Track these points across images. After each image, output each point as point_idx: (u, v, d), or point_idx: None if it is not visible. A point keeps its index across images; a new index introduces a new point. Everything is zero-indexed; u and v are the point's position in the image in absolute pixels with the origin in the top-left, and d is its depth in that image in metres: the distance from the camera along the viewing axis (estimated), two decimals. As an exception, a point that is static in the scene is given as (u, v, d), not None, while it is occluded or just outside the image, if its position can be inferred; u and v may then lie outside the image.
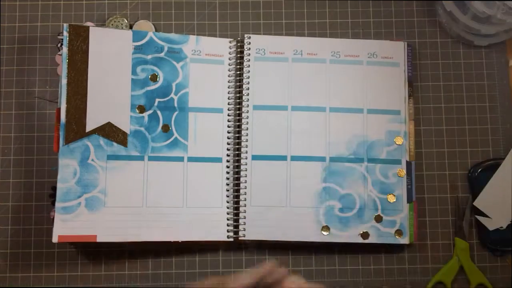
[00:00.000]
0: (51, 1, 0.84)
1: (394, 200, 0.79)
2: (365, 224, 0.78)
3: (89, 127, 0.77)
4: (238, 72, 0.81)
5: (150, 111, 0.79)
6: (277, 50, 0.82)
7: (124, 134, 0.78)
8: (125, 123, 0.78)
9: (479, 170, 0.81)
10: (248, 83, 0.80)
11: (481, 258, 0.81)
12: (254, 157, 0.79)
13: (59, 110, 0.76)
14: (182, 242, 0.77)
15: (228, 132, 0.80)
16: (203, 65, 0.81)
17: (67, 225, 0.75)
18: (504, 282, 0.80)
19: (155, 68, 0.79)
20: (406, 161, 0.80)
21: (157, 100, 0.79)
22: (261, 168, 0.79)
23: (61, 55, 0.78)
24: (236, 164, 0.80)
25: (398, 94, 0.81)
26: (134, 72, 0.79)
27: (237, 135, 0.80)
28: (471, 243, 0.81)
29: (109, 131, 0.77)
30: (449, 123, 0.83)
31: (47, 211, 0.80)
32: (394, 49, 0.82)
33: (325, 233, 0.78)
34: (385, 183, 0.79)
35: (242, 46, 0.81)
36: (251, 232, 0.78)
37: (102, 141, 0.77)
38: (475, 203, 0.81)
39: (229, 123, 0.80)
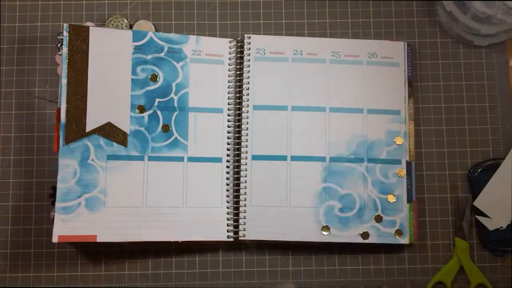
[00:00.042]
0: (51, 1, 0.84)
1: (394, 200, 0.79)
2: (365, 224, 0.78)
3: (89, 127, 0.77)
4: (238, 72, 0.81)
5: (150, 111, 0.79)
6: (277, 50, 0.82)
7: (124, 134, 0.78)
8: (125, 123, 0.78)
9: (479, 170, 0.81)
10: (248, 83, 0.80)
11: (481, 258, 0.81)
12: (254, 157, 0.79)
13: (59, 110, 0.76)
14: (182, 242, 0.77)
15: (228, 132, 0.80)
16: (203, 65, 0.81)
17: (67, 225, 0.75)
18: (504, 282, 0.80)
19: (155, 68, 0.79)
20: (406, 161, 0.80)
21: (157, 100, 0.79)
22: (261, 168, 0.79)
23: (61, 55, 0.78)
24: (236, 164, 0.79)
25: (398, 94, 0.81)
26: (134, 72, 0.79)
27: (237, 135, 0.80)
28: (471, 243, 0.81)
29: (109, 131, 0.77)
30: (449, 123, 0.83)
31: (47, 211, 0.80)
32: (394, 49, 0.82)
33: (325, 233, 0.78)
34: (385, 183, 0.79)
35: (242, 46, 0.81)
36: (251, 232, 0.78)
37: (102, 141, 0.77)
38: (475, 203, 0.81)
39: (229, 123, 0.80)
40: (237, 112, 0.80)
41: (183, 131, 0.79)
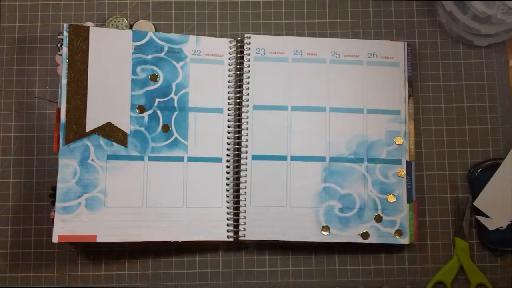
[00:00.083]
0: (51, 1, 0.84)
1: (394, 200, 0.79)
2: (365, 224, 0.78)
3: (89, 127, 0.77)
4: (238, 72, 0.81)
5: (150, 111, 0.79)
6: (277, 50, 0.82)
7: (124, 134, 0.78)
8: (125, 123, 0.78)
9: (479, 170, 0.81)
10: (248, 83, 0.80)
11: (481, 258, 0.81)
12: (254, 157, 0.79)
13: (59, 110, 0.76)
14: (182, 242, 0.77)
15: (228, 132, 0.80)
16: (203, 65, 0.81)
17: (67, 225, 0.75)
18: (504, 282, 0.80)
19: (155, 68, 0.79)
20: (406, 161, 0.80)
21: (157, 100, 0.79)
22: (261, 168, 0.79)
23: (61, 55, 0.78)
24: (236, 164, 0.79)
25: (398, 94, 0.81)
26: (134, 72, 0.79)
27: (237, 135, 0.80)
28: (471, 243, 0.81)
29: (109, 131, 0.77)
30: (449, 123, 0.83)
31: (47, 211, 0.80)
32: (394, 49, 0.82)
33: (325, 233, 0.78)
34: (385, 183, 0.79)
35: (242, 46, 0.81)
36: (251, 232, 0.78)
37: (102, 141, 0.77)
38: (475, 203, 0.81)
39: (229, 123, 0.80)
40: (237, 112, 0.80)
41: (183, 131, 0.79)
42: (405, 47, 0.82)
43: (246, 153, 0.79)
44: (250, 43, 0.81)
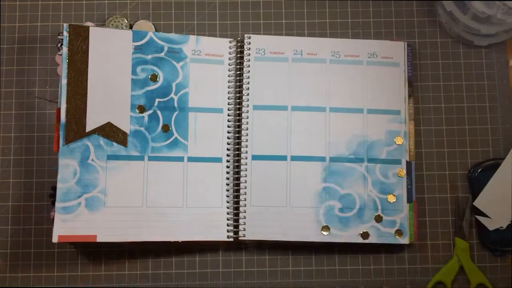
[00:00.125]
0: (51, 1, 0.84)
1: (394, 200, 0.79)
2: (365, 224, 0.78)
3: (89, 127, 0.77)
4: (238, 72, 0.81)
5: (150, 111, 0.79)
6: (277, 50, 0.82)
7: (124, 134, 0.78)
8: (125, 123, 0.78)
9: (479, 170, 0.81)
10: (248, 83, 0.80)
11: (481, 258, 0.81)
12: (254, 157, 0.79)
13: (59, 110, 0.76)
14: (182, 242, 0.77)
15: (228, 132, 0.80)
16: (203, 65, 0.81)
17: (67, 225, 0.75)
18: (504, 282, 0.80)
19: (155, 68, 0.79)
20: (406, 161, 0.80)
21: (157, 100, 0.79)
22: (261, 168, 0.79)
23: (61, 55, 0.78)
24: (236, 164, 0.79)
25: (398, 94, 0.81)
26: (134, 72, 0.79)
27: (237, 135, 0.80)
28: (471, 243, 0.81)
29: (109, 131, 0.77)
30: (449, 123, 0.83)
31: (47, 211, 0.80)
32: (394, 49, 0.82)
33: (325, 233, 0.78)
34: (385, 183, 0.79)
35: (242, 46, 0.81)
36: (251, 232, 0.78)
37: (102, 141, 0.77)
38: (475, 203, 0.81)
39: (229, 123, 0.80)
40: (237, 112, 0.80)
41: (183, 131, 0.79)
42: (405, 47, 0.82)
43: (246, 153, 0.79)
44: (250, 43, 0.81)
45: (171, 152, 0.78)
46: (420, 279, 0.81)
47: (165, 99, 0.79)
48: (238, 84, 0.81)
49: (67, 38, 0.77)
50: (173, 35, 0.81)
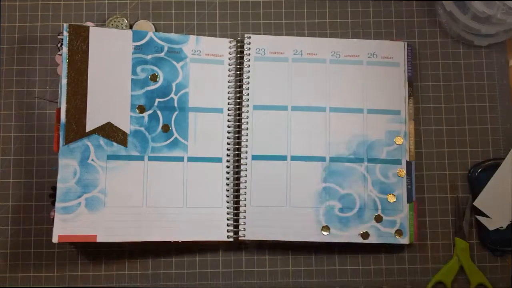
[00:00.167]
0: (51, 1, 0.84)
1: (394, 200, 0.79)
2: (365, 224, 0.78)
3: (89, 127, 0.77)
4: (238, 72, 0.81)
5: (150, 111, 0.79)
6: (277, 50, 0.82)
7: (124, 134, 0.78)
8: (125, 123, 0.78)
9: (479, 170, 0.81)
10: (248, 83, 0.80)
11: (481, 258, 0.81)
12: (254, 157, 0.79)
13: (59, 110, 0.76)
14: (182, 242, 0.77)
15: (228, 132, 0.80)
16: (203, 65, 0.81)
17: (67, 225, 0.75)
18: (504, 282, 0.80)
19: (155, 68, 0.79)
20: (406, 161, 0.80)
21: (157, 100, 0.79)
22: (261, 168, 0.79)
23: (61, 55, 0.78)
24: (236, 164, 0.79)
25: (398, 94, 0.81)
26: (134, 72, 0.79)
27: (237, 135, 0.80)
28: (471, 243, 0.81)
29: (109, 131, 0.77)
30: (449, 123, 0.83)
31: (47, 211, 0.80)
32: (394, 49, 0.82)
33: (325, 233, 0.78)
34: (385, 183, 0.79)
35: (242, 46, 0.81)
36: (251, 232, 0.78)
37: (102, 141, 0.77)
38: (475, 203, 0.81)
39: (229, 123, 0.80)
40: (237, 112, 0.80)
41: (183, 131, 0.79)
42: (405, 47, 0.82)
43: (246, 153, 0.79)
44: (250, 43, 0.81)
45: (171, 152, 0.78)
46: (420, 279, 0.81)
47: (165, 99, 0.79)
48: (238, 84, 0.81)
49: (67, 38, 0.77)
50: (173, 35, 0.81)
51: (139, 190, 0.77)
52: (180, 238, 0.77)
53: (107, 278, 0.79)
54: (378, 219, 0.79)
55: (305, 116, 0.80)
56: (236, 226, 0.78)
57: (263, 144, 0.79)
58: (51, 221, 0.75)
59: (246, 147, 0.79)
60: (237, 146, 0.80)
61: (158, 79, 0.79)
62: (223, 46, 0.82)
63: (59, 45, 0.82)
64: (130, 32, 0.80)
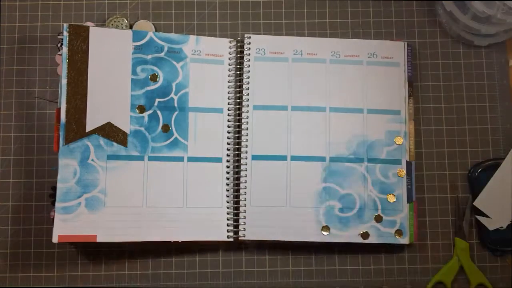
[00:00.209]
0: (51, 1, 0.84)
1: (394, 200, 0.79)
2: (365, 224, 0.78)
3: (89, 127, 0.77)
4: (238, 72, 0.81)
5: (150, 111, 0.79)
6: (277, 50, 0.82)
7: (124, 134, 0.78)
8: (125, 123, 0.78)
9: (479, 170, 0.81)
10: (248, 83, 0.80)
11: (481, 258, 0.81)
12: (254, 157, 0.79)
13: (59, 110, 0.76)
14: (182, 242, 0.77)
15: (228, 132, 0.80)
16: (203, 65, 0.81)
17: (67, 225, 0.75)
18: (504, 282, 0.80)
19: (155, 68, 0.80)
20: (406, 161, 0.80)
21: (157, 100, 0.79)
22: (261, 168, 0.79)
23: (61, 55, 0.78)
24: (236, 164, 0.79)
25: (398, 94, 0.81)
26: (134, 72, 0.79)
27: (237, 135, 0.80)
28: (471, 243, 0.81)
29: (109, 131, 0.77)
30: (449, 123, 0.83)
31: (47, 211, 0.80)
32: (394, 49, 0.82)
33: (325, 233, 0.78)
34: (385, 183, 0.79)
35: (242, 46, 0.81)
36: (251, 232, 0.78)
37: (102, 141, 0.77)
38: (475, 203, 0.81)
39: (229, 123, 0.80)
40: (237, 112, 0.80)
41: (183, 131, 0.79)
42: (405, 47, 0.82)
43: (246, 153, 0.79)
44: (250, 43, 0.81)
45: (171, 152, 0.78)
46: (420, 279, 0.81)
47: (165, 99, 0.79)
48: (238, 84, 0.81)
49: (67, 38, 0.77)
50: (173, 35, 0.81)
51: (139, 190, 0.77)
52: (180, 238, 0.77)
53: (107, 278, 0.79)
54: (378, 219, 0.79)
55: (305, 116, 0.80)
56: (236, 226, 0.78)
57: (263, 144, 0.79)
58: (51, 221, 0.75)
59: (246, 147, 0.79)
60: (237, 146, 0.80)
61: (158, 79, 0.79)
62: (223, 46, 0.82)
63: (59, 45, 0.82)
64: (130, 32, 0.80)
